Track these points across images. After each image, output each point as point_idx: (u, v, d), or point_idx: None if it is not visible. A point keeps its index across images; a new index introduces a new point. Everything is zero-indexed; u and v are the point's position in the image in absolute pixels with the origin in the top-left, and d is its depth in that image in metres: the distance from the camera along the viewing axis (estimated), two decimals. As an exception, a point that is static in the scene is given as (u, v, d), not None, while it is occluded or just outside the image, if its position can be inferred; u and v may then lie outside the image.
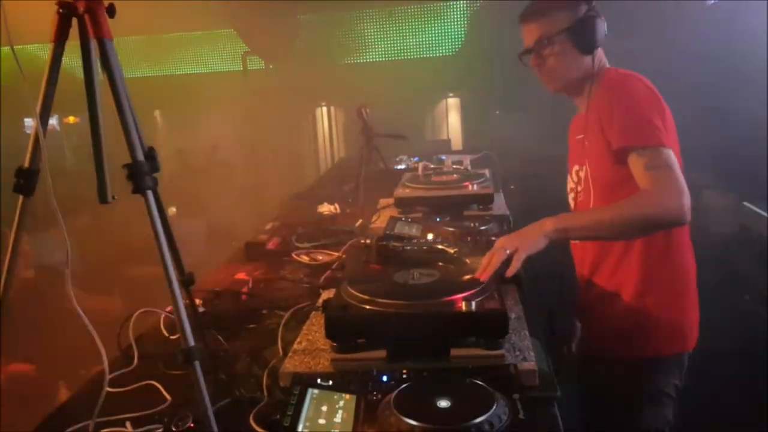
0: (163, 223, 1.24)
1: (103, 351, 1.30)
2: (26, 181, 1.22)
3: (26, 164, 1.23)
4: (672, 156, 1.74)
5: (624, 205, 1.75)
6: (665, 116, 1.82)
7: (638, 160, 1.75)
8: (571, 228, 1.76)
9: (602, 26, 1.94)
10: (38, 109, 1.19)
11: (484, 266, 1.65)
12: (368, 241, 1.90)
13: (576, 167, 2.09)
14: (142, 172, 1.17)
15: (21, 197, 1.23)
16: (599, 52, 1.97)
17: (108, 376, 1.69)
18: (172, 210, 6.46)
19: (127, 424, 1.41)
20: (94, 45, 1.25)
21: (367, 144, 3.35)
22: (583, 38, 1.92)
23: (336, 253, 2.57)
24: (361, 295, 1.54)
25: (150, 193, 1.19)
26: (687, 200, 1.68)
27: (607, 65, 2.00)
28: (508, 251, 1.67)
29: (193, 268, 1.71)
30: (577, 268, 2.12)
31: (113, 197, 1.28)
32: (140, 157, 1.19)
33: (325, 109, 9.16)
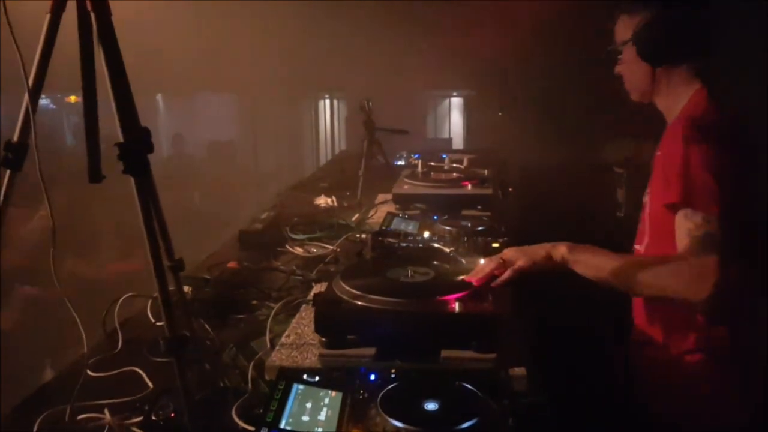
0: (154, 206, 1.20)
1: (83, 335, 1.27)
2: (14, 155, 1.18)
3: (15, 138, 1.19)
4: (722, 230, 1.51)
5: (653, 266, 1.58)
6: (734, 179, 1.58)
7: (683, 221, 1.56)
8: (584, 263, 1.62)
9: (681, 34, 1.70)
10: (30, 82, 1.15)
11: (478, 271, 1.61)
12: (364, 235, 1.86)
13: (647, 189, 1.83)
14: (133, 152, 1.13)
15: (8, 172, 1.19)
16: (680, 68, 1.75)
17: (90, 360, 1.68)
18: (196, 195, 6.44)
19: (105, 411, 1.38)
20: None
21: (369, 138, 3.31)
22: (646, 46, 1.73)
23: (330, 247, 2.53)
24: (352, 290, 1.51)
25: (140, 175, 1.15)
26: (716, 289, 1.46)
27: (698, 84, 1.76)
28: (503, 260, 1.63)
29: (185, 255, 1.68)
30: None
31: (104, 176, 1.24)
32: (132, 136, 1.15)
33: (327, 101, 9.13)
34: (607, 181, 3.64)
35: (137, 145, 1.15)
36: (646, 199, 1.81)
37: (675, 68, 1.74)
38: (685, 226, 1.55)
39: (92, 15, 1.20)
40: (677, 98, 1.76)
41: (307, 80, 7.50)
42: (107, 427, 1.35)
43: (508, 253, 1.67)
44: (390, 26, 6.40)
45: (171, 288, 1.52)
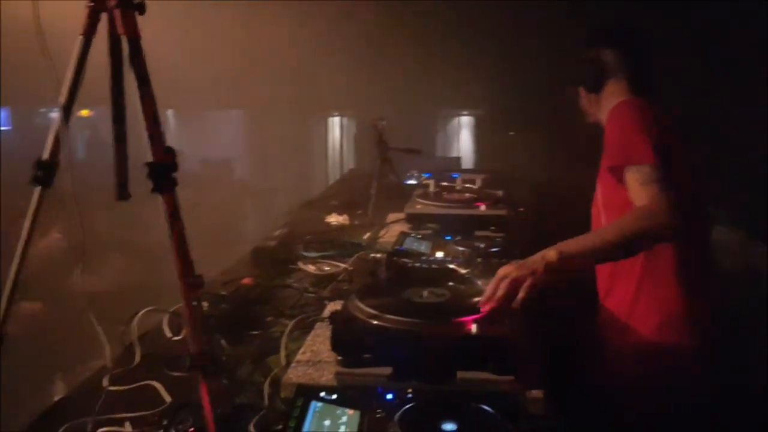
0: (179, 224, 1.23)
1: (107, 349, 1.29)
2: (45, 172, 1.21)
3: (46, 156, 1.22)
4: (664, 172, 1.79)
5: (622, 222, 1.79)
6: (661, 135, 1.90)
7: (632, 178, 1.84)
8: (575, 253, 1.74)
9: (602, 71, 2.13)
10: (62, 100, 1.18)
11: (488, 296, 1.62)
12: (379, 255, 1.88)
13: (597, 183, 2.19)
14: (161, 171, 1.16)
15: (38, 189, 1.22)
16: (607, 90, 2.14)
17: (108, 374, 1.71)
18: (203, 212, 6.47)
19: (126, 424, 1.40)
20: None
21: (381, 157, 3.34)
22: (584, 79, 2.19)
23: (343, 265, 2.55)
24: (368, 310, 1.53)
25: (168, 193, 1.18)
26: (679, 214, 1.73)
27: (622, 98, 2.11)
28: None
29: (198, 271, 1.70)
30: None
31: (130, 195, 1.27)
32: (161, 156, 1.18)
33: (336, 119, 9.18)
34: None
35: (165, 164, 1.18)
36: (597, 192, 2.13)
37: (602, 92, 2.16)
38: (636, 181, 1.81)
39: (123, 38, 1.24)
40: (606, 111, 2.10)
41: (317, 98, 7.54)
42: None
43: (508, 270, 1.68)
44: (400, 45, 6.45)
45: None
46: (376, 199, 3.25)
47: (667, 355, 1.98)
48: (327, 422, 1.26)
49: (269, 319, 2.08)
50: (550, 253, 1.70)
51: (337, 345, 1.49)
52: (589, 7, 4.23)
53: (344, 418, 1.27)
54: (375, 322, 1.49)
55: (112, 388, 1.65)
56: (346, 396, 1.34)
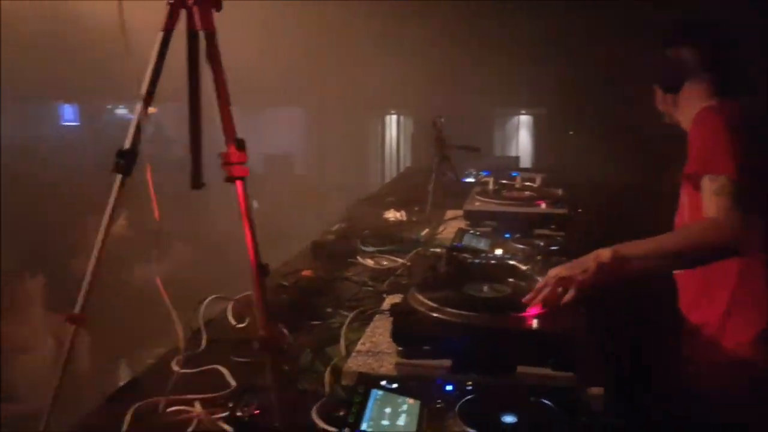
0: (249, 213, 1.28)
1: (180, 334, 1.35)
2: (126, 161, 1.28)
3: (127, 145, 1.28)
4: (741, 185, 1.72)
5: (686, 231, 1.76)
6: (747, 144, 1.81)
7: (706, 187, 1.78)
8: (631, 256, 1.71)
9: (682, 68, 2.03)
10: (143, 91, 1.24)
11: (535, 295, 1.62)
12: (438, 249, 1.90)
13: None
14: (236, 162, 1.21)
15: (119, 177, 1.29)
16: (687, 91, 2.04)
17: (176, 358, 1.78)
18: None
19: (196, 404, 1.45)
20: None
21: (440, 154, 3.36)
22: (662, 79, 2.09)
23: (400, 260, 2.58)
24: (429, 303, 1.55)
25: (242, 182, 1.23)
26: (750, 231, 1.67)
27: (707, 103, 2.00)
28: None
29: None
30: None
31: (204, 183, 1.33)
32: (234, 146, 1.23)
33: (393, 117, 9.24)
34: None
35: (239, 154, 1.22)
36: (681, 199, 2.04)
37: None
38: (709, 191, 1.76)
39: (201, 33, 1.29)
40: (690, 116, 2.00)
41: (374, 96, 7.59)
42: (196, 420, 1.42)
43: (559, 271, 1.67)
44: (459, 43, 6.44)
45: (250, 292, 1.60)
46: (434, 196, 3.26)
47: (759, 369, 1.91)
48: (388, 410, 1.29)
49: (329, 310, 2.12)
50: (605, 253, 1.69)
51: (397, 336, 1.51)
52: (657, 5, 4.15)
53: (404, 407, 1.30)
54: (435, 315, 1.51)
55: (179, 371, 1.72)
56: (407, 386, 1.36)
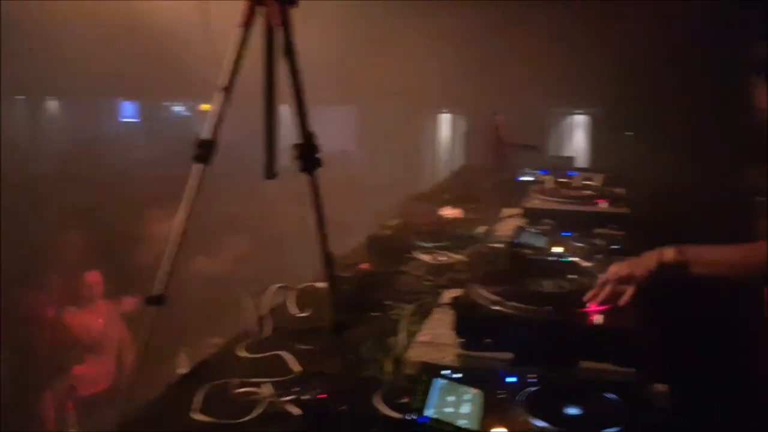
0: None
1: (253, 317, 1.40)
2: (205, 151, 1.33)
3: (208, 136, 1.34)
4: None
5: (756, 247, 1.64)
6: None
7: None
8: (695, 260, 1.66)
9: None
10: (223, 83, 1.30)
11: (595, 293, 1.61)
12: (498, 245, 1.92)
13: None
14: (310, 152, 1.25)
15: (199, 166, 1.34)
16: None
17: (241, 343, 1.85)
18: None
19: (265, 386, 1.51)
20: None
21: (497, 152, 3.36)
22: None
23: (457, 256, 2.60)
24: (492, 297, 1.57)
25: (314, 172, 1.27)
26: None
27: None
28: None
29: (308, 257, 1.80)
30: None
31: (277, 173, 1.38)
32: (309, 139, 1.27)
33: (447, 116, 9.24)
34: (746, 209, 3.47)
35: (312, 146, 1.27)
36: None
37: None
38: None
39: (277, 30, 1.34)
40: None
41: (427, 94, 7.60)
42: (264, 401, 1.47)
43: (619, 268, 1.66)
44: (512, 41, 6.39)
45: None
46: (490, 193, 3.27)
47: None
48: (451, 398, 1.31)
49: (388, 302, 2.15)
50: (668, 252, 1.66)
51: (460, 328, 1.54)
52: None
53: (467, 396, 1.32)
54: (498, 309, 1.53)
55: (247, 355, 1.79)
56: (469, 376, 1.38)
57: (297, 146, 1.26)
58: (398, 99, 7.38)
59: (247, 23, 1.34)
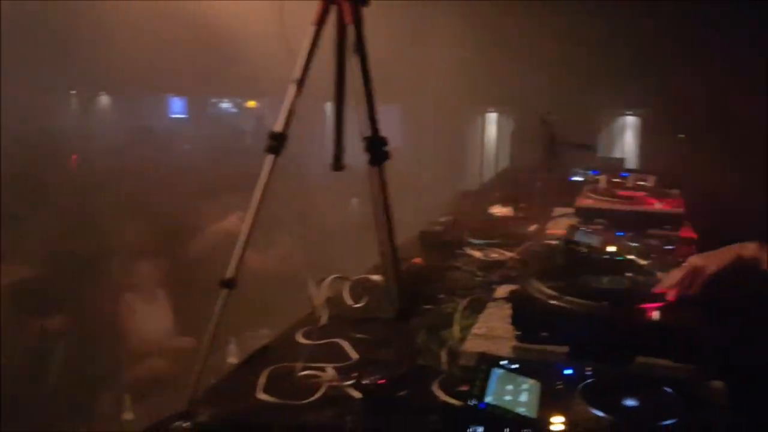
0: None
1: (319, 303, 1.45)
2: (277, 143, 1.40)
3: (280, 128, 1.40)
4: None
5: None
6: None
7: None
8: None
9: None
10: (297, 76, 1.36)
11: (667, 281, 1.63)
12: (556, 242, 1.94)
13: None
14: (379, 145, 1.31)
15: (270, 157, 1.41)
16: None
17: (299, 330, 1.91)
18: (354, 200, 6.83)
19: (328, 369, 1.57)
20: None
21: (550, 151, 3.37)
22: None
23: (509, 253, 2.62)
24: (549, 291, 1.60)
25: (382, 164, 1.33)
26: None
27: None
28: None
29: (358, 253, 1.86)
30: None
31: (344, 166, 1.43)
32: (378, 132, 1.33)
33: (493, 115, 9.23)
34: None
35: (381, 139, 1.32)
36: None
37: None
38: None
39: (349, 28, 1.39)
40: None
41: (474, 93, 7.60)
42: (326, 384, 1.53)
43: (695, 259, 1.67)
44: (561, 42, 6.36)
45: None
46: (542, 192, 3.28)
47: None
48: (509, 387, 1.35)
49: (441, 296, 2.19)
50: (750, 247, 1.66)
51: (517, 321, 1.57)
52: None
53: (525, 386, 1.35)
54: (555, 303, 1.56)
55: (304, 341, 1.85)
56: (527, 367, 1.42)
57: (366, 139, 1.31)
58: (444, 98, 7.40)
59: (320, 21, 1.40)
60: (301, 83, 1.38)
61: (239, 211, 4.07)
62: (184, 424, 1.40)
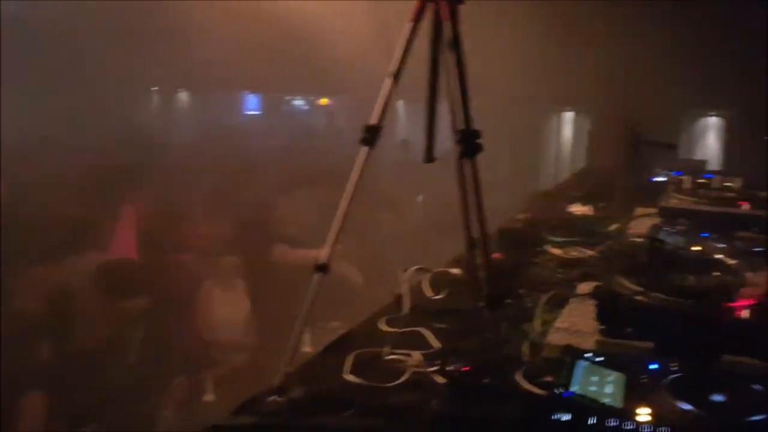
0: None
1: (406, 291, 1.51)
2: (372, 135, 1.46)
3: (375, 121, 1.47)
4: None
5: None
6: None
7: None
8: None
9: None
10: (393, 69, 1.41)
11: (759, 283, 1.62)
12: (641, 239, 1.94)
13: None
14: (472, 137, 1.35)
15: (365, 149, 1.47)
16: None
17: (380, 318, 1.98)
18: (419, 198, 6.89)
19: (414, 354, 1.62)
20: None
21: (631, 151, 3.33)
22: None
23: (588, 251, 2.61)
24: (635, 287, 1.61)
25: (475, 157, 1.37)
26: None
27: None
28: None
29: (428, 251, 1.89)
30: None
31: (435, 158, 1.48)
32: (472, 126, 1.37)
33: (570, 114, 9.10)
34: None
35: (475, 132, 1.36)
36: None
37: None
38: None
39: (445, 25, 1.44)
40: None
41: (553, 92, 7.51)
42: (410, 370, 1.59)
43: None
44: (639, 40, 6.21)
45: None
46: (623, 191, 3.25)
47: None
48: (594, 378, 1.37)
49: (521, 290, 2.22)
50: None
51: (602, 316, 1.59)
52: None
53: (610, 378, 1.38)
54: (642, 299, 1.57)
55: (387, 329, 1.92)
56: (611, 360, 1.44)
57: (461, 132, 1.36)
58: (521, 96, 7.35)
59: (417, 18, 1.46)
60: (396, 76, 1.43)
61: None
62: (279, 398, 1.49)
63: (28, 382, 3.65)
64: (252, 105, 13.04)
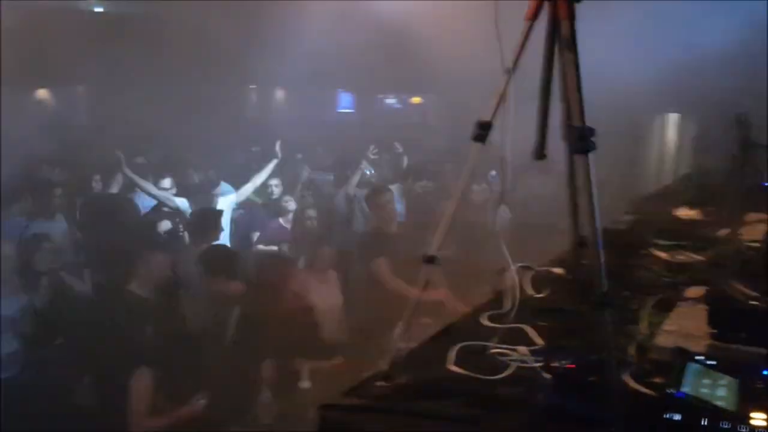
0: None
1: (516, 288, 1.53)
2: (484, 131, 1.49)
3: (489, 118, 1.50)
4: None
5: None
6: None
7: None
8: None
9: None
10: (510, 65, 1.44)
11: None
12: (756, 244, 1.88)
13: None
14: (585, 134, 1.36)
15: (476, 145, 1.50)
16: None
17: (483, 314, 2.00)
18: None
19: (520, 348, 1.64)
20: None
21: (743, 154, 3.18)
22: None
23: (696, 256, 2.54)
24: (750, 292, 1.57)
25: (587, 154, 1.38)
26: None
27: None
28: None
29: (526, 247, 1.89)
30: None
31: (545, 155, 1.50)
32: (583, 122, 1.38)
33: (675, 116, 8.80)
34: None
35: (589, 129, 1.37)
36: None
37: None
38: None
39: (562, 23, 1.45)
40: None
41: (661, 94, 7.27)
42: (515, 364, 1.61)
43: None
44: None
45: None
46: (734, 196, 3.12)
47: None
48: (706, 381, 1.35)
49: (626, 293, 2.18)
50: None
51: (714, 321, 1.56)
52: None
53: (722, 381, 1.36)
54: (755, 304, 1.53)
55: (489, 324, 1.94)
56: (725, 364, 1.41)
57: (577, 128, 1.37)
58: (625, 98, 7.16)
59: (534, 17, 1.48)
60: (511, 72, 1.45)
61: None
62: (386, 383, 1.54)
63: (137, 361, 3.91)
64: (345, 103, 13.37)
